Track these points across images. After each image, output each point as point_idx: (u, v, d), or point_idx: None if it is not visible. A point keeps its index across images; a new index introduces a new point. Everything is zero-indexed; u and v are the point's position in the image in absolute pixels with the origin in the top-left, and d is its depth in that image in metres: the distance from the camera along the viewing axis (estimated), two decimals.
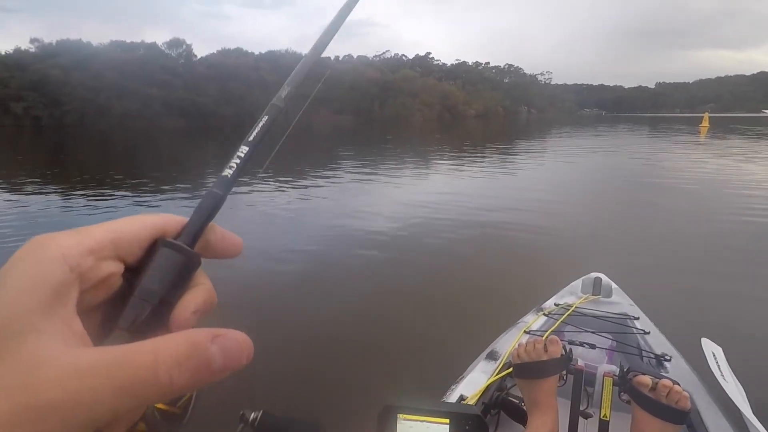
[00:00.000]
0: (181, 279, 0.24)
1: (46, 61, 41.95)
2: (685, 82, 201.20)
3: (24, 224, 5.59)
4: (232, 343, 0.20)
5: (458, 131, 34.24)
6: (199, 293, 0.24)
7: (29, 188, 8.03)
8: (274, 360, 2.36)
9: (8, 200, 7.09)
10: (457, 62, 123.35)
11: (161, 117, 40.95)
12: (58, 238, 0.21)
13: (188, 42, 59.14)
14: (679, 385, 0.92)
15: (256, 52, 68.92)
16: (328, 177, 9.76)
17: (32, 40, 48.07)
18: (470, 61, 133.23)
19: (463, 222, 5.70)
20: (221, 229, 0.27)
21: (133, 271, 0.23)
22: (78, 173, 10.70)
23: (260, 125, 0.29)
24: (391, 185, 8.81)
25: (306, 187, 8.60)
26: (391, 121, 55.49)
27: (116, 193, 7.71)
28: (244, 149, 0.28)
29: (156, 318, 0.23)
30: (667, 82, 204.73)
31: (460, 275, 3.98)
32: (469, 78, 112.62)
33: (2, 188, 8.26)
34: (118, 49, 50.71)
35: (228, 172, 0.27)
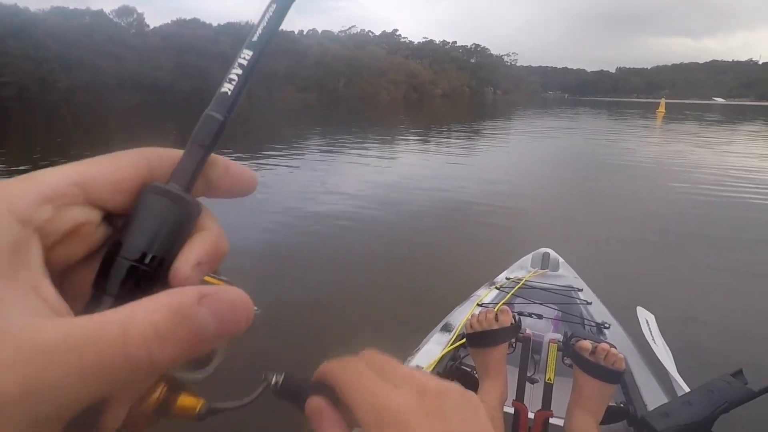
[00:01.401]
0: (177, 232, 0.20)
1: None
2: (643, 68, 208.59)
3: None
4: (226, 304, 0.17)
5: (425, 112, 34.09)
6: (203, 241, 0.20)
7: None
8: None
9: None
10: (424, 40, 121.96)
11: (113, 91, 38.38)
12: (1, 188, 0.17)
13: (139, 10, 55.65)
14: (615, 348, 1.00)
15: (215, 24, 65.75)
16: (291, 156, 9.38)
17: None
18: (437, 39, 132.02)
19: (422, 201, 5.76)
20: (226, 161, 0.22)
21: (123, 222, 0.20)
22: (26, 153, 9.76)
23: (267, 17, 0.22)
24: (353, 165, 8.63)
25: (267, 166, 8.22)
26: (357, 100, 54.64)
27: None
28: (246, 54, 0.22)
29: (149, 279, 0.19)
30: (627, 67, 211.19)
31: (416, 252, 4.05)
32: (436, 57, 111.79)
33: None
34: (60, 17, 46.69)
35: (227, 87, 0.21)
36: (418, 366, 1.25)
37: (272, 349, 2.35)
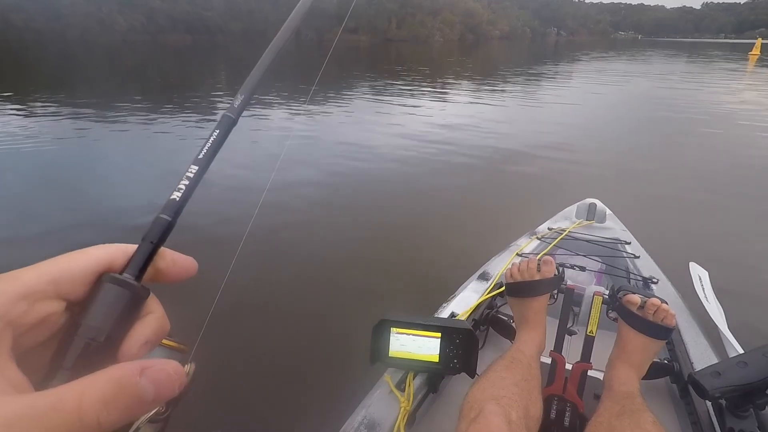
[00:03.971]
0: (127, 314, 0.23)
1: None
2: (735, 3, 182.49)
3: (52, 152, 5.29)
4: (162, 374, 0.20)
5: (480, 56, 32.13)
6: (148, 323, 0.24)
7: (39, 110, 7.57)
8: (277, 275, 2.49)
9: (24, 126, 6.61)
10: None
11: (166, 32, 39.01)
12: None
13: None
14: (666, 303, 0.95)
15: None
16: (340, 103, 9.17)
17: None
18: None
19: (466, 148, 5.50)
20: (172, 254, 0.26)
21: (81, 307, 0.23)
22: (89, 95, 10.20)
23: (211, 140, 0.28)
24: (396, 112, 8.27)
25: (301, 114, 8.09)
26: (409, 42, 52.35)
27: (132, 118, 7.26)
28: (193, 168, 0.27)
29: (102, 354, 0.22)
30: (715, 2, 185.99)
31: (458, 199, 3.92)
32: None
33: (18, 111, 7.78)
34: None
35: (176, 195, 0.26)
36: (453, 313, 1.24)
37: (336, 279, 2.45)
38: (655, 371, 1.06)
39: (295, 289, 2.46)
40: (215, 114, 7.73)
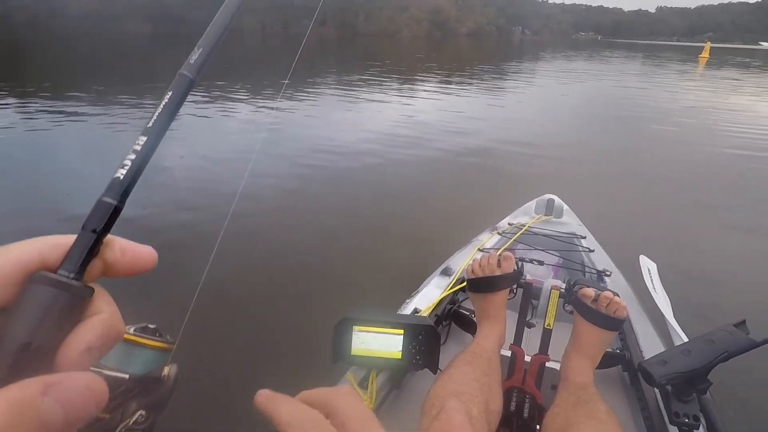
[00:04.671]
0: (60, 318, 0.20)
1: None
2: (686, 8, 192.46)
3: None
4: (73, 392, 0.17)
5: (447, 53, 32.40)
6: (92, 326, 0.20)
7: None
8: (234, 273, 2.36)
9: None
10: None
11: (124, 20, 37.19)
12: None
13: None
14: (618, 296, 0.98)
15: None
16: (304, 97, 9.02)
17: None
18: None
19: (429, 143, 5.52)
20: (122, 243, 0.22)
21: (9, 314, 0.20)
22: (37, 83, 9.59)
23: (162, 104, 0.23)
24: (364, 104, 8.24)
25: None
26: (377, 37, 52.18)
27: (85, 108, 6.88)
28: (141, 140, 0.23)
29: (34, 367, 0.18)
30: (669, 6, 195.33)
31: (419, 194, 3.93)
32: None
33: None
34: None
35: (120, 173, 0.22)
36: (416, 309, 1.25)
37: (268, 294, 2.34)
38: (607, 360, 1.10)
39: (258, 284, 2.41)
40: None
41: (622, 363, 1.16)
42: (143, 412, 0.33)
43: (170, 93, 0.23)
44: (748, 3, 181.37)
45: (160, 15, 40.61)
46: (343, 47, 31.29)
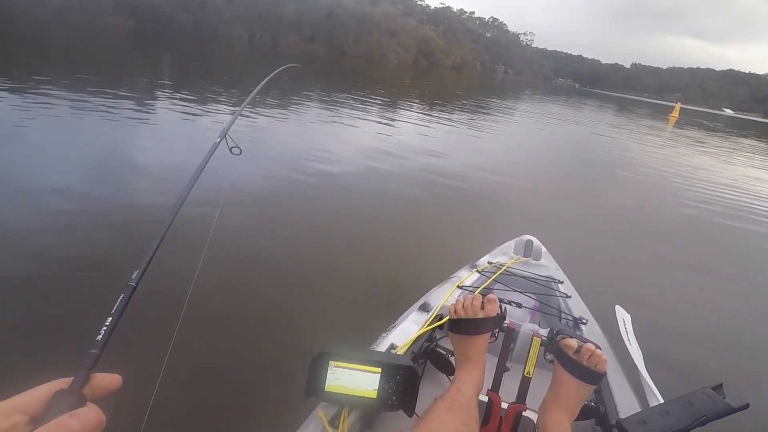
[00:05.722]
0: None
1: None
2: (658, 68, 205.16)
3: None
4: (85, 414, 0.35)
5: (433, 81, 33.18)
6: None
7: None
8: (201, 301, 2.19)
9: None
10: (441, 6, 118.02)
11: (106, 14, 36.32)
12: None
13: None
14: (600, 349, 0.96)
15: None
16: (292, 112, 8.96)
17: None
18: (455, 7, 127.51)
19: (410, 174, 5.51)
20: (102, 376, 0.40)
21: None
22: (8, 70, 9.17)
23: (114, 312, 0.39)
24: (344, 127, 8.24)
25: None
26: (364, 59, 53.00)
27: (60, 101, 6.59)
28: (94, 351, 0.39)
29: None
30: (643, 64, 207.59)
31: (395, 228, 3.88)
32: (451, 26, 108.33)
33: None
34: None
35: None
36: (392, 344, 1.23)
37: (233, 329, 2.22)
38: (583, 413, 1.08)
39: (231, 309, 2.31)
40: (151, 104, 7.28)
41: (596, 416, 1.14)
42: None
43: (121, 295, 0.43)
44: (714, 70, 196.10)
45: (146, 12, 39.93)
46: (330, 65, 31.59)
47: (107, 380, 0.39)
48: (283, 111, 8.61)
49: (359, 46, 65.93)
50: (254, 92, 1.39)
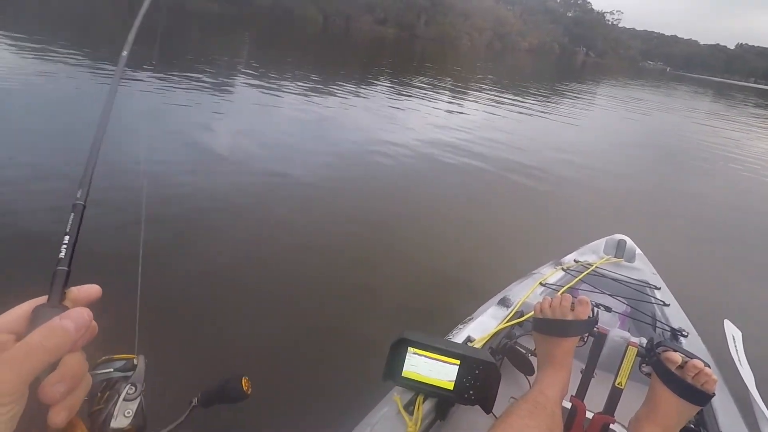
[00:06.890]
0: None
1: None
2: None
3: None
4: (76, 314, 0.32)
5: (508, 65, 31.77)
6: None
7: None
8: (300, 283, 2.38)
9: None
10: None
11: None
12: None
13: None
14: (709, 367, 0.88)
15: None
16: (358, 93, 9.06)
17: None
18: None
19: (492, 165, 5.32)
20: (80, 287, 0.37)
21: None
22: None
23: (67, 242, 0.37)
24: (420, 112, 8.13)
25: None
26: (435, 41, 51.95)
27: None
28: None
29: None
30: (750, 44, 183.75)
31: (478, 217, 3.78)
32: (528, 5, 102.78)
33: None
34: None
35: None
36: (469, 337, 1.20)
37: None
38: None
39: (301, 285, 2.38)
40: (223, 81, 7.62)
41: None
42: (131, 387, 0.47)
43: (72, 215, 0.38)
44: None
45: None
46: (401, 48, 31.32)
47: (85, 291, 0.37)
48: (351, 96, 8.69)
49: (431, 28, 64.66)
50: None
